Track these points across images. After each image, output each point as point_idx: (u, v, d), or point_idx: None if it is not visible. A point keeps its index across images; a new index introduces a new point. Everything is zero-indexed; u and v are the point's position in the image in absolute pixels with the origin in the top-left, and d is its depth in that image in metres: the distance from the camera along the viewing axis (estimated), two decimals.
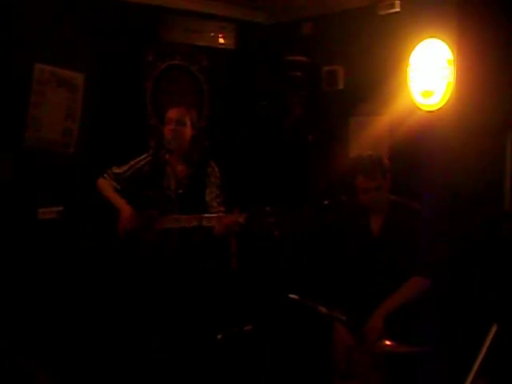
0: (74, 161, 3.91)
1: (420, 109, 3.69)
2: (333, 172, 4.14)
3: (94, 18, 3.93)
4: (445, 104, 3.55)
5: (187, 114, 3.28)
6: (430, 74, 3.58)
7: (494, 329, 1.82)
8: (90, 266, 3.71)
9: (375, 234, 3.06)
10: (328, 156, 4.34)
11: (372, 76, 4.03)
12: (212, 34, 4.50)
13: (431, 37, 3.59)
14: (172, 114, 3.25)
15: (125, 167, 3.30)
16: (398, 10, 3.91)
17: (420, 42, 3.65)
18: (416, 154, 3.67)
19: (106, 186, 3.30)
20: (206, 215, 3.00)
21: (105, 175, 3.32)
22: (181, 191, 3.21)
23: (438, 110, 3.59)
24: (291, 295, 2.90)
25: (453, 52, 3.50)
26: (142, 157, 3.32)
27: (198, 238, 3.12)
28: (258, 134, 4.70)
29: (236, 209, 2.95)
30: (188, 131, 3.27)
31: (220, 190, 3.24)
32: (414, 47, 3.68)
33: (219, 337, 3.26)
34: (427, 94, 3.61)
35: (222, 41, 4.55)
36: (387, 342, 2.68)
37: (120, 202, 3.23)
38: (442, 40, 3.54)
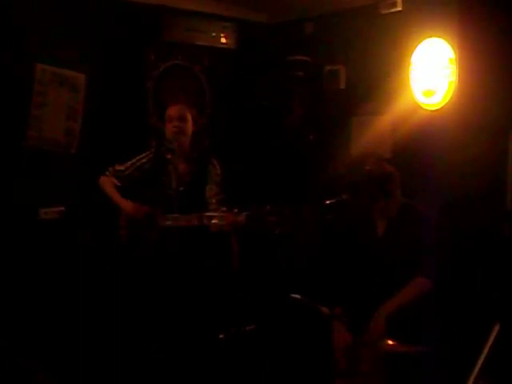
0: (75, 161, 3.91)
1: (422, 108, 3.69)
2: (334, 171, 4.13)
3: (95, 18, 3.93)
4: (446, 103, 3.55)
5: (188, 109, 3.27)
6: (431, 73, 3.58)
7: (496, 328, 1.81)
8: (91, 266, 3.72)
9: (380, 234, 3.04)
10: (330, 155, 4.33)
11: (374, 75, 4.03)
12: (214, 34, 4.50)
13: (433, 36, 3.59)
14: (172, 111, 3.24)
15: (126, 164, 3.31)
16: (399, 9, 3.90)
17: (422, 41, 3.64)
18: (418, 153, 3.66)
19: (106, 182, 3.31)
20: (206, 214, 2.99)
21: (106, 172, 3.33)
22: (182, 188, 3.20)
23: (439, 109, 3.59)
24: (293, 295, 2.89)
25: (455, 51, 3.50)
26: (144, 155, 3.32)
27: (199, 237, 3.11)
28: (259, 133, 4.70)
29: (236, 208, 2.94)
30: (189, 127, 3.26)
31: (220, 187, 3.23)
32: (415, 46, 3.68)
33: (221, 336, 3.27)
34: (429, 93, 3.61)
35: (223, 40, 4.55)
36: (389, 342, 2.68)
37: (119, 199, 3.23)
38: (444, 39, 3.54)
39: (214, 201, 3.16)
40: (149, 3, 4.17)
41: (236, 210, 2.91)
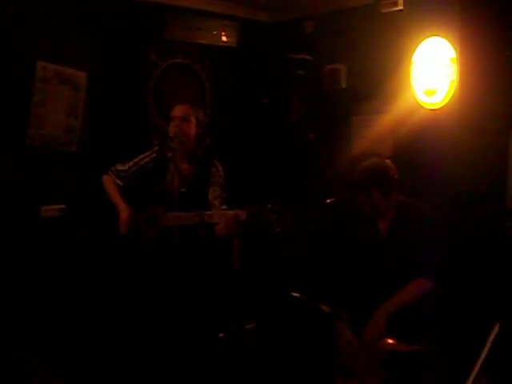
0: (76, 159, 3.92)
1: (423, 107, 3.69)
2: (334, 171, 4.13)
3: (96, 16, 3.93)
4: (448, 102, 3.55)
5: (192, 110, 3.27)
6: (432, 73, 3.58)
7: (496, 328, 1.81)
8: (91, 264, 3.72)
9: (383, 233, 3.03)
10: (330, 155, 4.33)
11: (374, 74, 4.03)
12: (215, 33, 4.50)
13: (434, 35, 3.59)
14: (177, 111, 3.25)
15: (129, 164, 3.31)
16: (400, 8, 3.90)
17: (423, 40, 3.64)
18: (419, 152, 3.66)
19: (108, 182, 3.31)
20: (207, 212, 3.00)
21: (109, 172, 3.34)
22: (184, 189, 3.20)
23: (440, 108, 3.59)
24: (294, 293, 2.90)
25: (456, 50, 3.50)
26: (147, 154, 3.32)
27: (200, 236, 3.12)
28: (259, 132, 4.70)
29: (237, 208, 2.95)
30: (192, 128, 3.26)
31: (223, 189, 3.24)
32: (416, 45, 3.68)
33: (221, 335, 3.27)
34: (430, 92, 3.61)
35: (224, 39, 4.55)
36: (389, 341, 2.68)
37: (119, 202, 3.21)
38: (445, 38, 3.54)
39: (217, 203, 3.17)
40: (150, 2, 4.18)
41: (237, 210, 2.92)
